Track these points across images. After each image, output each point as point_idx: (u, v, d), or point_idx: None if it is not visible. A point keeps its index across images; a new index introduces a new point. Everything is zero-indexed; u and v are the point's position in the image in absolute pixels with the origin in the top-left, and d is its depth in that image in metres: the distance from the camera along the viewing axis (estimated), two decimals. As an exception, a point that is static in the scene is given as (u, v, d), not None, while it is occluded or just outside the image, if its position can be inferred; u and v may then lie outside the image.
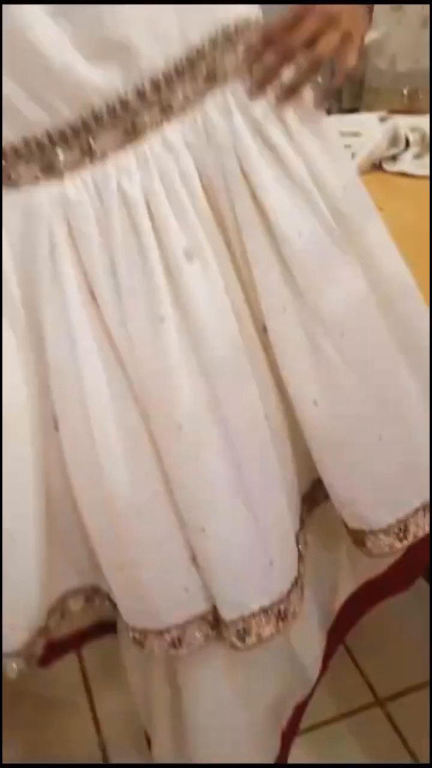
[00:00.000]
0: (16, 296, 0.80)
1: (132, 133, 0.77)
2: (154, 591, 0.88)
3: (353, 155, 1.76)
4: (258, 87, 0.79)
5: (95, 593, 1.01)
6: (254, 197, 0.80)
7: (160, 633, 0.90)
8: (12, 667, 0.92)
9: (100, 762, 1.36)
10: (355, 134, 1.92)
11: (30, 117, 0.74)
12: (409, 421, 0.90)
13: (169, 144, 0.78)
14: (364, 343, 0.86)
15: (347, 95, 2.40)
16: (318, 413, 0.86)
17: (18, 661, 0.92)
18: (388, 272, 0.88)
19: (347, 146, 1.77)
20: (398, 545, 0.93)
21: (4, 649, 0.90)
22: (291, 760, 1.22)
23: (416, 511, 0.92)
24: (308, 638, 1.09)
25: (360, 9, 0.80)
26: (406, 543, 0.93)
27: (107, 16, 0.71)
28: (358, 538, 0.94)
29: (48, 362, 0.81)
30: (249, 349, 0.83)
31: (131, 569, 0.87)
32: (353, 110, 2.25)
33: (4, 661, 0.91)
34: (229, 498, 0.83)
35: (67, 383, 0.81)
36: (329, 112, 2.33)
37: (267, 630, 0.89)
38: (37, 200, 0.78)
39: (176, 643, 0.90)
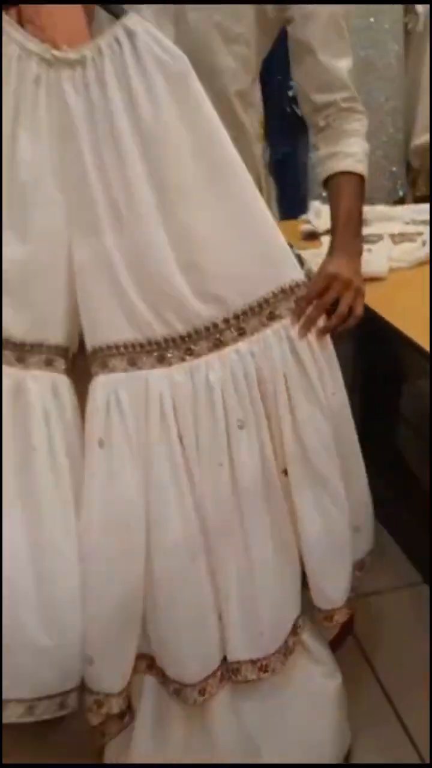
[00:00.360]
0: (134, 439, 1.23)
1: (219, 344, 1.23)
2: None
3: (423, 243, 1.91)
4: (302, 329, 1.25)
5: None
6: (288, 393, 1.24)
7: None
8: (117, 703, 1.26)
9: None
10: (425, 222, 2.05)
11: (154, 326, 1.21)
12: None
13: (241, 354, 1.23)
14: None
15: (422, 182, 2.52)
16: (315, 535, 1.29)
17: (119, 700, 1.27)
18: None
19: (419, 234, 1.98)
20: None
21: (114, 689, 1.26)
22: None
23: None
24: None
25: (358, 263, 1.32)
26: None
27: (210, 280, 1.20)
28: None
29: (151, 482, 1.22)
30: (272, 484, 1.26)
31: None
32: (426, 197, 2.37)
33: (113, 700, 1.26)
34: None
35: (162, 498, 1.22)
36: (403, 200, 2.52)
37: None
38: (154, 380, 1.22)
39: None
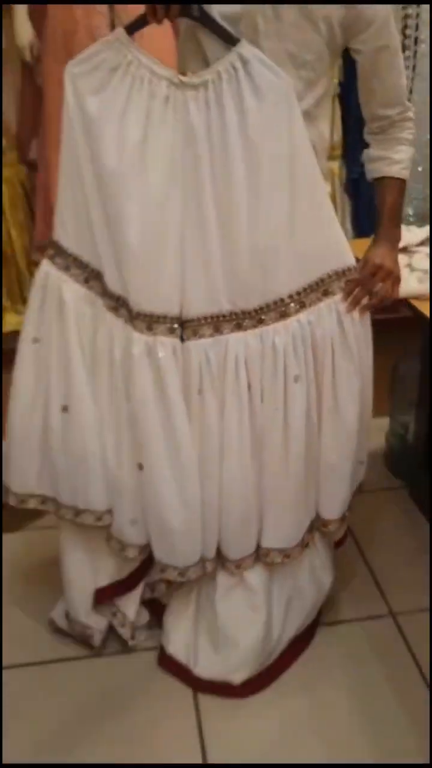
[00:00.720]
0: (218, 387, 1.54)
1: (284, 315, 1.51)
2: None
3: (411, 269, 2.07)
4: (350, 306, 1.55)
5: None
6: (333, 355, 1.56)
7: None
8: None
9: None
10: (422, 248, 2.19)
11: (237, 302, 1.50)
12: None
13: (302, 324, 1.53)
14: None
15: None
16: (332, 464, 1.64)
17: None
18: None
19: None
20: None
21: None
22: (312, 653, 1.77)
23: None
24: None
25: (396, 252, 1.63)
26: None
27: (282, 264, 1.48)
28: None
29: (224, 419, 1.54)
30: (312, 425, 1.59)
31: None
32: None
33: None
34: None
35: (231, 431, 1.55)
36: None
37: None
38: (232, 343, 1.51)
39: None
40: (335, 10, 1.40)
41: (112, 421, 1.60)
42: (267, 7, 1.39)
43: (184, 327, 1.52)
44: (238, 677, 1.68)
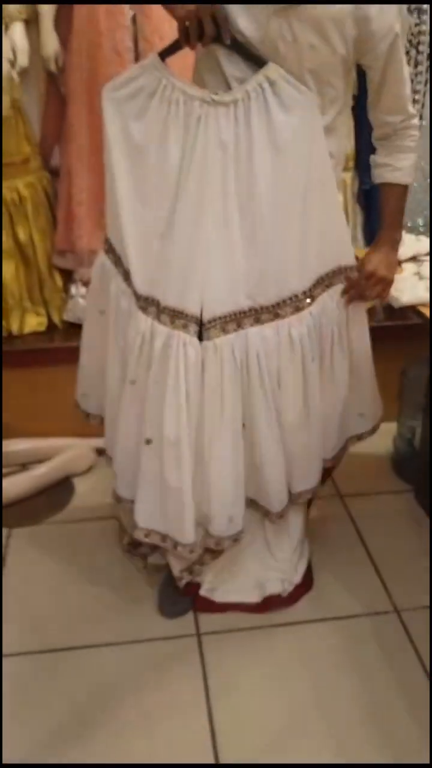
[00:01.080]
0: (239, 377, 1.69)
1: (298, 309, 1.66)
2: None
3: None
4: (348, 302, 1.75)
5: None
6: (340, 339, 1.77)
7: None
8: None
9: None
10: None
11: (257, 299, 1.64)
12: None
13: (314, 315, 1.69)
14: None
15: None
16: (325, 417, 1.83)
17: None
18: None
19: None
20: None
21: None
22: (312, 644, 1.87)
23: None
24: None
25: (395, 255, 1.80)
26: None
27: (299, 264, 1.63)
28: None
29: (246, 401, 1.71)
30: (320, 393, 1.77)
31: None
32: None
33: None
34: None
35: (256, 410, 1.71)
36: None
37: None
38: (251, 335, 1.65)
39: None
40: (350, 31, 1.49)
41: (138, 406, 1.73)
42: (285, 31, 1.47)
43: (211, 325, 1.63)
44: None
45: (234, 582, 1.98)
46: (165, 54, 1.56)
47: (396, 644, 1.89)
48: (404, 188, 1.74)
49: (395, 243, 1.79)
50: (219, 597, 1.98)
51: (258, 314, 1.65)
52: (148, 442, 1.71)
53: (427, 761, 1.57)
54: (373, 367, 1.90)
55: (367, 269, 1.73)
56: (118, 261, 1.76)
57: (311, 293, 1.68)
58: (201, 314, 1.63)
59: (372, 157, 1.76)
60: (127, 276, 1.72)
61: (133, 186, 1.63)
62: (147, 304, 1.67)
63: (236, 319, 1.64)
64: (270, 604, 1.98)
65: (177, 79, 1.55)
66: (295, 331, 1.66)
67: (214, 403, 1.67)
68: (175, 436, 1.66)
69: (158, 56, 1.56)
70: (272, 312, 1.65)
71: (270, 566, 1.99)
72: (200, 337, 1.64)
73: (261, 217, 1.56)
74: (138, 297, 1.68)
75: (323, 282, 1.70)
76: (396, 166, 1.71)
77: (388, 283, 1.78)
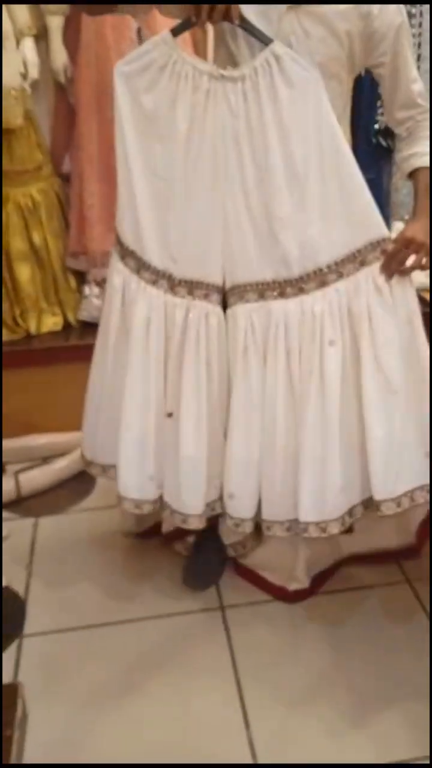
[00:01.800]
0: (260, 349, 1.73)
1: (323, 284, 1.67)
2: None
3: None
4: (387, 275, 1.67)
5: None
6: (370, 320, 1.67)
7: None
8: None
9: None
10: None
11: (280, 271, 1.68)
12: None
13: (340, 292, 1.67)
14: None
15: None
16: (380, 439, 1.70)
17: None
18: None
19: None
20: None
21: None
22: (322, 616, 1.95)
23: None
24: None
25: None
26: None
27: (323, 236, 1.64)
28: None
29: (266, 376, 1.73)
30: (348, 390, 1.70)
31: None
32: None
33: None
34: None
35: (272, 389, 1.72)
36: None
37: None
38: (275, 309, 1.69)
39: None
40: (355, 24, 1.59)
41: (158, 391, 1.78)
42: (297, 27, 1.58)
43: (231, 292, 1.70)
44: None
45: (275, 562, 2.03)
46: (176, 32, 1.61)
47: (408, 607, 2.01)
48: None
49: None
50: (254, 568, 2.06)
51: (282, 288, 1.68)
52: (170, 415, 1.76)
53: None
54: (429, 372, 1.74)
55: (406, 235, 1.67)
56: (136, 261, 1.76)
57: (338, 269, 1.67)
58: (223, 283, 1.69)
59: (397, 156, 1.82)
60: (124, 256, 1.76)
61: (145, 156, 1.67)
62: (158, 276, 1.72)
63: (258, 290, 1.69)
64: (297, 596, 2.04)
65: (188, 53, 1.61)
66: (318, 307, 1.66)
67: (236, 370, 1.72)
68: (196, 408, 1.72)
69: (170, 32, 1.61)
70: (296, 286, 1.67)
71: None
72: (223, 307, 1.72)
73: (278, 189, 1.61)
74: (150, 270, 1.73)
75: (354, 259, 1.67)
76: (423, 152, 1.72)
77: (427, 250, 1.70)
